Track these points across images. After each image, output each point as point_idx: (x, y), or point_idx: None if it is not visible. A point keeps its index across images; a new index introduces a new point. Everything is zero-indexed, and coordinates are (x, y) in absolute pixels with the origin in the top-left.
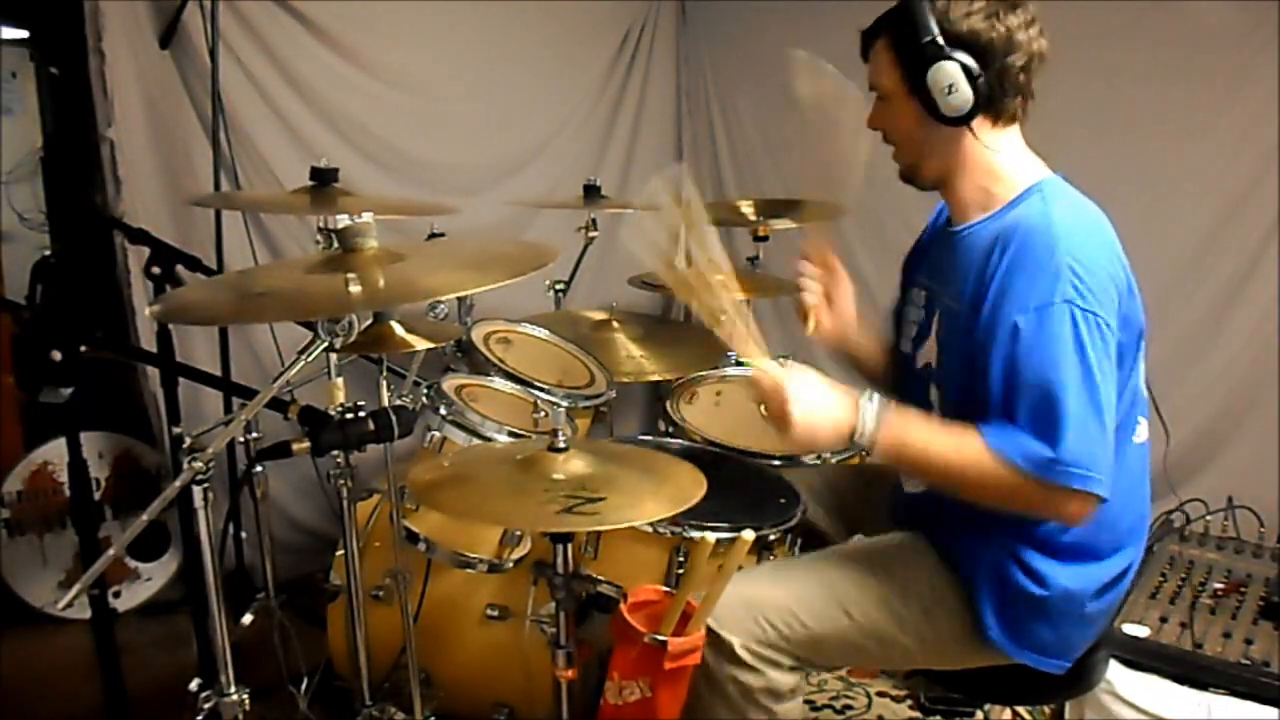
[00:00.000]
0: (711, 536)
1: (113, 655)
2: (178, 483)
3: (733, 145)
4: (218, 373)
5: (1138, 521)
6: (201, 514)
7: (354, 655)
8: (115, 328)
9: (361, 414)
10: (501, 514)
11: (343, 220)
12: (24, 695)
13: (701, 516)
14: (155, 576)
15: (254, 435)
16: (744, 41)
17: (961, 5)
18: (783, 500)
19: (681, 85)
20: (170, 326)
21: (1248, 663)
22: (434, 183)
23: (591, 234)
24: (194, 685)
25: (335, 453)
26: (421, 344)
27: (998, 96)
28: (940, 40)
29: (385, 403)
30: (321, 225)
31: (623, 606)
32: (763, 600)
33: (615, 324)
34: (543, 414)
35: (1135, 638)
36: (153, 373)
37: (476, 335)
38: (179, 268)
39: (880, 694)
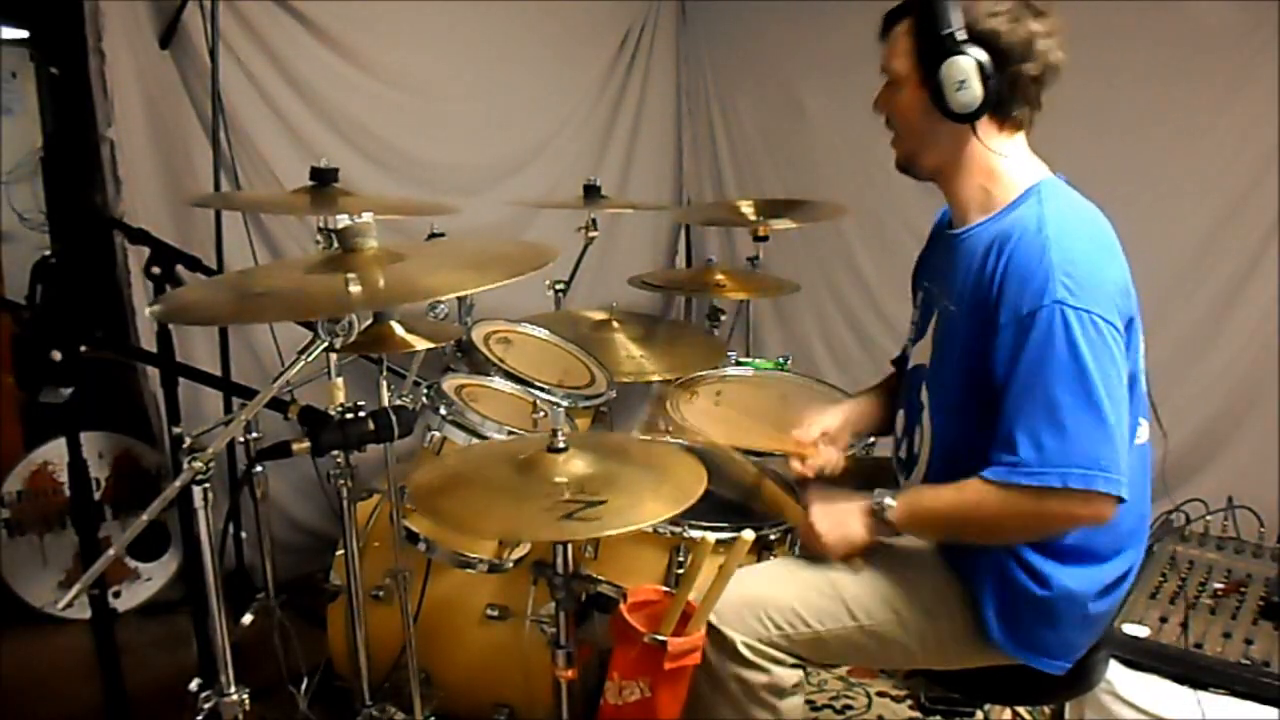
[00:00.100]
0: (711, 536)
1: (113, 655)
2: (178, 483)
3: (733, 145)
4: (218, 373)
5: (1138, 523)
6: (201, 514)
7: (354, 655)
8: (115, 328)
9: (361, 414)
10: (502, 525)
11: (343, 220)
12: (24, 695)
13: (701, 516)
14: (155, 576)
15: (254, 435)
16: (744, 41)
17: (988, 4)
18: None
19: (681, 85)
20: (170, 326)
21: (1248, 663)
22: (434, 183)
23: (591, 234)
24: (194, 685)
25: (335, 453)
26: (421, 344)
27: (1006, 100)
28: (962, 34)
29: (385, 403)
30: (321, 225)
31: (623, 606)
32: (765, 598)
33: (615, 324)
34: (543, 414)
35: (1135, 638)
36: (153, 373)
37: (476, 335)
38: (179, 268)
39: (880, 694)
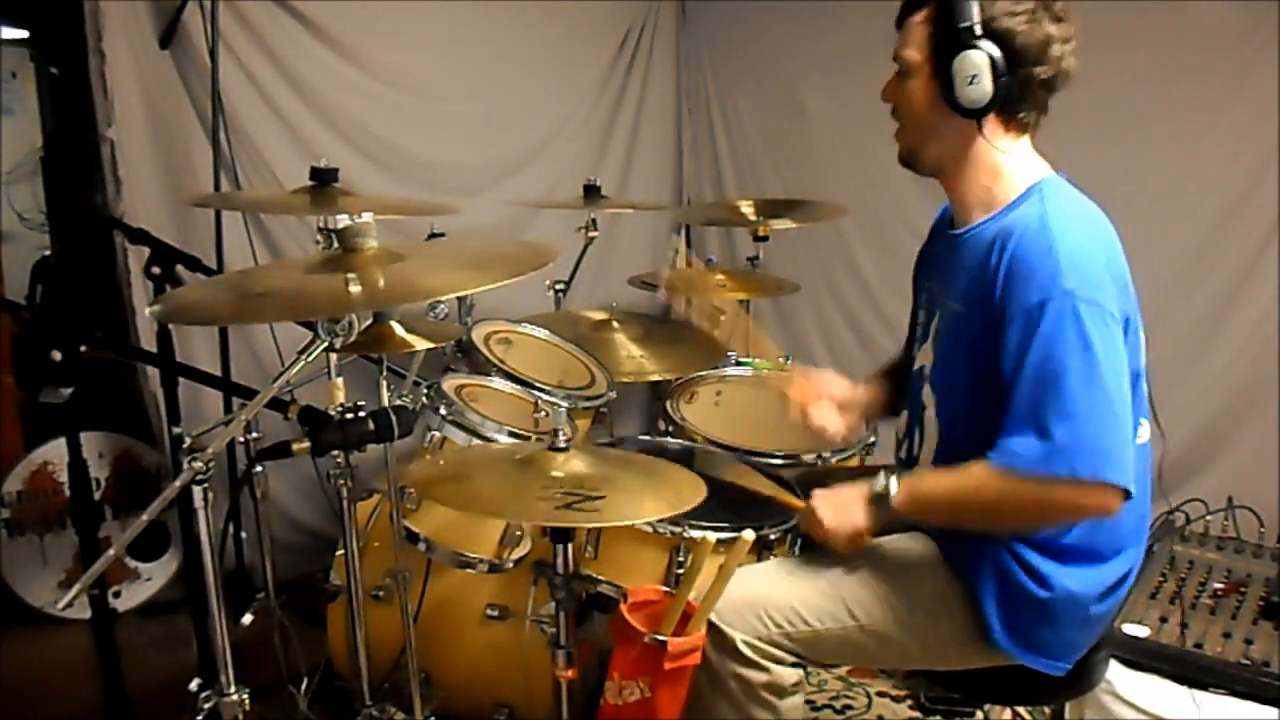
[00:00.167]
0: (712, 536)
1: (113, 655)
2: (178, 483)
3: (733, 145)
4: (218, 373)
5: (1139, 523)
6: (201, 514)
7: (354, 655)
8: (115, 328)
9: (361, 414)
10: (500, 507)
11: (343, 220)
12: (24, 695)
13: (701, 516)
14: (155, 576)
15: (254, 435)
16: (744, 41)
17: (1007, 3)
18: None
19: (681, 85)
20: (170, 326)
21: (1248, 663)
22: (434, 183)
23: (591, 234)
24: (194, 685)
25: (335, 453)
26: (421, 344)
27: (1015, 100)
28: (978, 29)
29: (385, 403)
30: (321, 225)
31: (623, 606)
32: (766, 597)
33: (615, 324)
34: (543, 414)
35: (1135, 638)
36: (153, 373)
37: (477, 335)
38: (179, 268)
39: (880, 694)
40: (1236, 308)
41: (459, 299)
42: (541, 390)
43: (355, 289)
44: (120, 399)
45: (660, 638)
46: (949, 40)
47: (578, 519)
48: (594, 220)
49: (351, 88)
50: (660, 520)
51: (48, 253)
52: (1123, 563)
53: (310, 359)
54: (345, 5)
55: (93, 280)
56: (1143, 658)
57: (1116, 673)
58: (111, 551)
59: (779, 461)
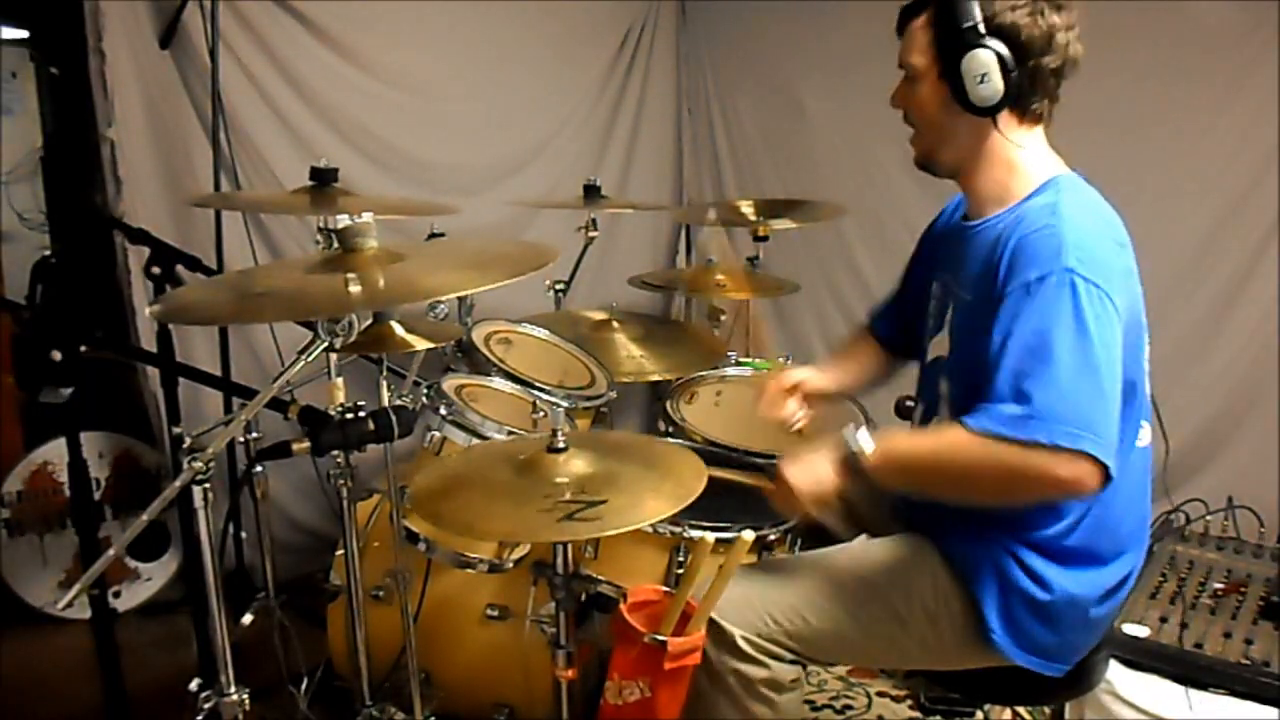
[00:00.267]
0: (711, 536)
1: (113, 655)
2: (178, 483)
3: (733, 145)
4: (218, 373)
5: (1139, 525)
6: (201, 514)
7: (354, 655)
8: (115, 328)
9: (361, 414)
10: (501, 525)
11: (343, 220)
12: (24, 695)
13: (701, 516)
14: (155, 576)
15: (254, 435)
16: (744, 41)
17: None
18: None
19: (681, 85)
20: (170, 326)
21: (1248, 663)
22: (434, 183)
23: (591, 234)
24: (194, 685)
25: (335, 453)
26: (421, 344)
27: (1027, 93)
28: (981, 28)
29: (385, 403)
30: (321, 225)
31: (623, 606)
32: (766, 595)
33: (615, 324)
34: (543, 414)
35: (1135, 638)
36: (153, 373)
37: (477, 335)
38: (179, 268)
39: (880, 694)
40: (1236, 308)
41: (459, 299)
42: (541, 390)
43: (355, 289)
44: (120, 399)
45: (660, 638)
46: (954, 42)
47: (580, 531)
48: (594, 220)
49: (351, 88)
50: (660, 520)
51: (48, 253)
52: (1123, 565)
53: (310, 359)
54: (345, 5)
55: (93, 280)
56: (1142, 658)
57: (1116, 673)
58: (111, 551)
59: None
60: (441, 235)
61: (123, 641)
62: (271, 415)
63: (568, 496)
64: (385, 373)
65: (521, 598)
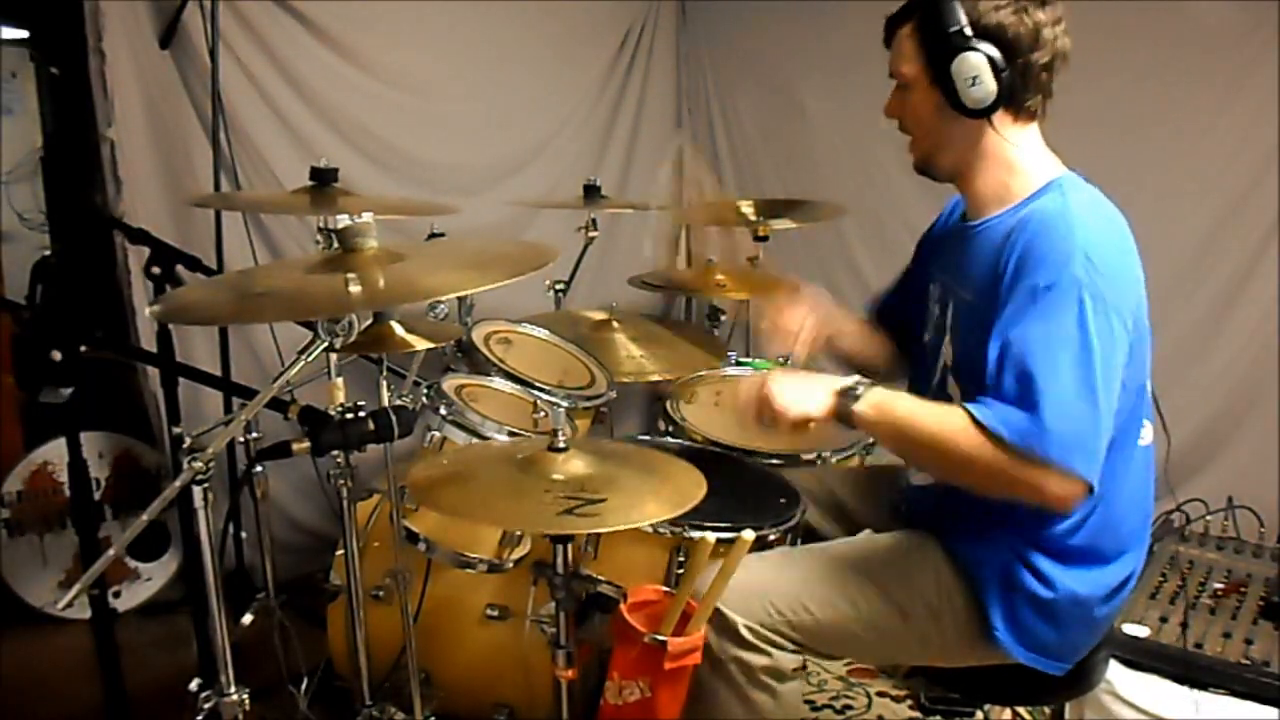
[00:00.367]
0: (711, 536)
1: (113, 655)
2: (178, 483)
3: (733, 145)
4: (218, 373)
5: (1141, 524)
6: (201, 514)
7: (354, 655)
8: (115, 328)
9: (361, 414)
10: (501, 515)
11: (343, 220)
12: (24, 695)
13: (702, 516)
14: (155, 576)
15: (254, 435)
16: (744, 41)
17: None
18: (783, 500)
19: (681, 85)
20: (170, 326)
21: (1248, 663)
22: (434, 183)
23: (591, 234)
24: (194, 685)
25: (335, 453)
26: (421, 344)
27: (1020, 91)
28: (968, 31)
29: (385, 403)
30: (321, 225)
31: (623, 606)
32: (770, 584)
33: (615, 324)
34: (543, 414)
35: (1135, 638)
36: (153, 373)
37: (477, 335)
38: (179, 268)
39: (880, 694)
40: (1236, 308)
41: (459, 299)
42: (541, 390)
43: (355, 289)
44: (120, 399)
45: (660, 638)
46: (941, 47)
47: (579, 525)
48: (594, 220)
49: (351, 88)
50: (660, 520)
51: (48, 253)
52: (1126, 564)
53: (310, 359)
54: (345, 5)
55: (93, 280)
56: (1143, 658)
57: (1116, 673)
58: (111, 551)
59: (778, 462)
60: (441, 235)
61: (123, 641)
62: (271, 415)
63: (566, 494)
64: (385, 373)
65: (521, 598)
